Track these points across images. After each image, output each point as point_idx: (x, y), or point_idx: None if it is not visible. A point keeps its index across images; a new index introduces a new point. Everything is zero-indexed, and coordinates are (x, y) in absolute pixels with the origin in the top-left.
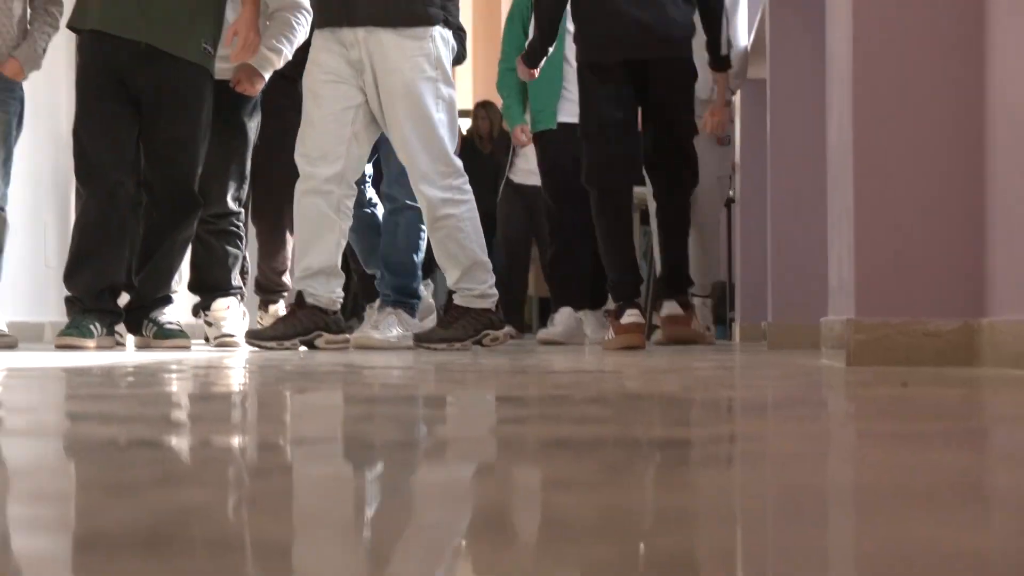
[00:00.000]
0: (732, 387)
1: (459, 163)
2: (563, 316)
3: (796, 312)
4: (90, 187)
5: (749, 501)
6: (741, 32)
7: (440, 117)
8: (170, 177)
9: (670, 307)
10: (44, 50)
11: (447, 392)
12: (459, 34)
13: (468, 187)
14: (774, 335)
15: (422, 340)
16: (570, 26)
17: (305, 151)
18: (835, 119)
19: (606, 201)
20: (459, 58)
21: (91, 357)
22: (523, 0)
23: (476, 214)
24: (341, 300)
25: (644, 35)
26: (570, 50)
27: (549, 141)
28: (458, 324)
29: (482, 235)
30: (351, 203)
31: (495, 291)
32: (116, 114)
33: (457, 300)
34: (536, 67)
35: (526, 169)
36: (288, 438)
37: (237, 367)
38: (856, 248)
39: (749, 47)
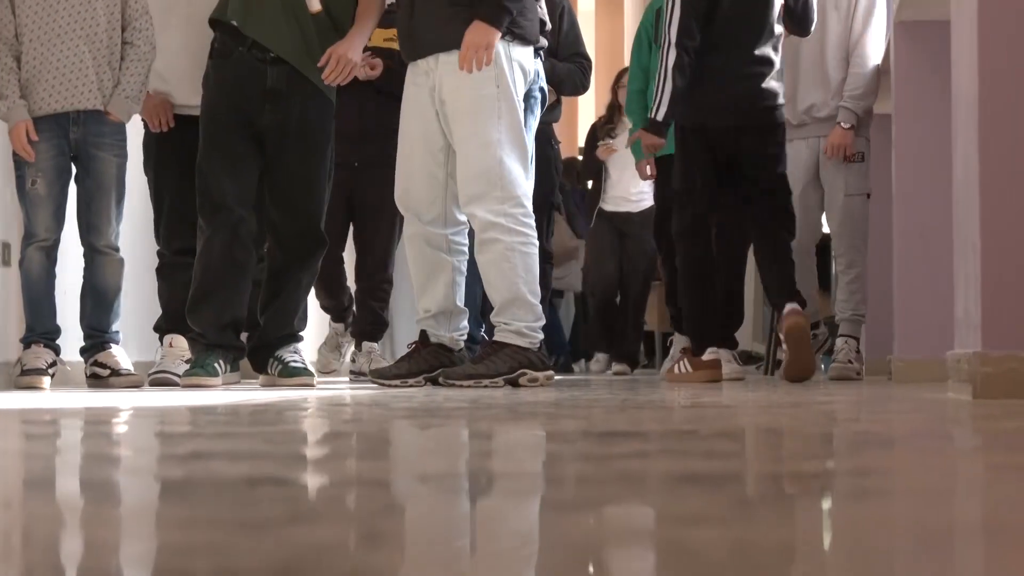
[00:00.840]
0: (858, 420)
1: (523, 193)
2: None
3: (922, 346)
4: (214, 224)
5: (878, 536)
6: (872, 50)
7: (499, 138)
8: (297, 217)
9: (790, 306)
10: (137, 91)
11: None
12: (580, 61)
13: (529, 221)
14: (899, 369)
15: (449, 377)
16: None
17: (404, 197)
18: (960, 152)
19: (692, 259)
20: (574, 87)
21: (216, 396)
22: (647, 19)
23: (532, 251)
24: (464, 337)
25: (747, 103)
26: None
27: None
28: (490, 360)
29: (535, 275)
30: (461, 238)
31: (538, 333)
32: (241, 151)
33: (496, 335)
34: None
35: (617, 196)
36: (417, 473)
37: (360, 404)
38: (983, 281)
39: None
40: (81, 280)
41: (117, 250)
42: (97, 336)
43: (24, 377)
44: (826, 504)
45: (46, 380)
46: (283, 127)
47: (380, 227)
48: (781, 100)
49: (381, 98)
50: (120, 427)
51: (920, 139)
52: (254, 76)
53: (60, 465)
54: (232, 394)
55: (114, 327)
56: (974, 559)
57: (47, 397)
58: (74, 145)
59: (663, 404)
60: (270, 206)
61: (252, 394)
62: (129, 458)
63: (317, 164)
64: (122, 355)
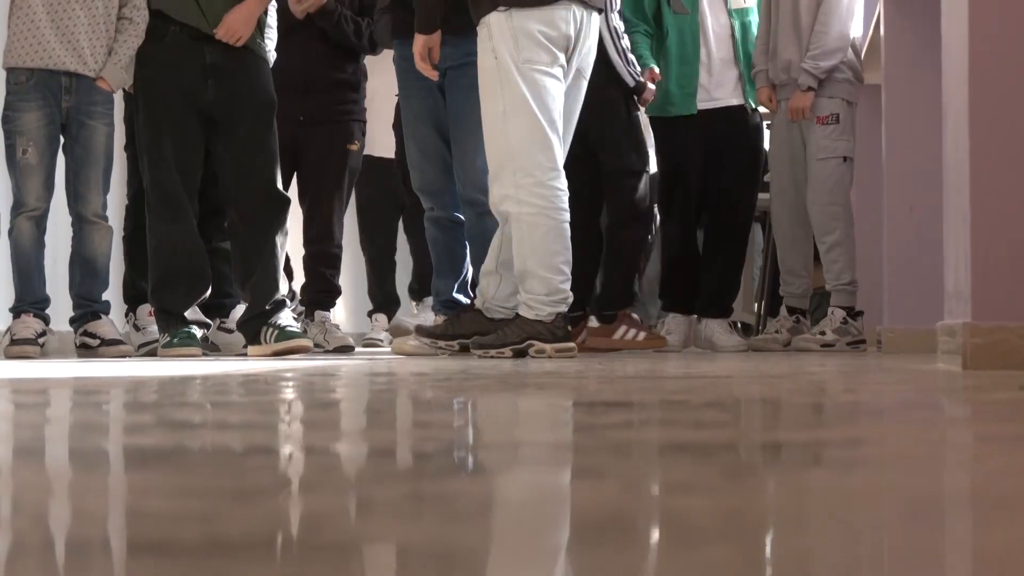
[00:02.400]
0: (848, 391)
1: (534, 163)
2: (677, 323)
3: (912, 316)
4: (168, 215)
5: (867, 505)
6: (839, 7)
7: (502, 109)
8: (258, 184)
9: (592, 317)
10: (128, 62)
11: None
12: None
13: (542, 192)
14: (889, 340)
15: (477, 345)
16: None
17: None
18: (951, 124)
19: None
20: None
21: (211, 365)
22: None
23: (543, 222)
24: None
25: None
26: (712, 27)
27: (678, 129)
28: (501, 331)
29: (549, 247)
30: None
31: (554, 306)
32: (189, 132)
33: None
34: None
35: None
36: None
37: (381, 372)
38: (972, 252)
39: (859, 42)
40: (70, 250)
41: (106, 219)
42: (87, 305)
43: (14, 347)
44: (815, 474)
45: (35, 350)
46: (230, 100)
47: (325, 187)
48: (626, 77)
49: (327, 48)
50: (109, 396)
51: (910, 111)
52: (192, 54)
53: (48, 434)
54: (229, 364)
55: (104, 296)
56: (963, 528)
57: (36, 366)
58: (65, 113)
59: (652, 375)
60: (229, 178)
61: (248, 364)
62: (118, 427)
63: (267, 128)
64: (111, 325)
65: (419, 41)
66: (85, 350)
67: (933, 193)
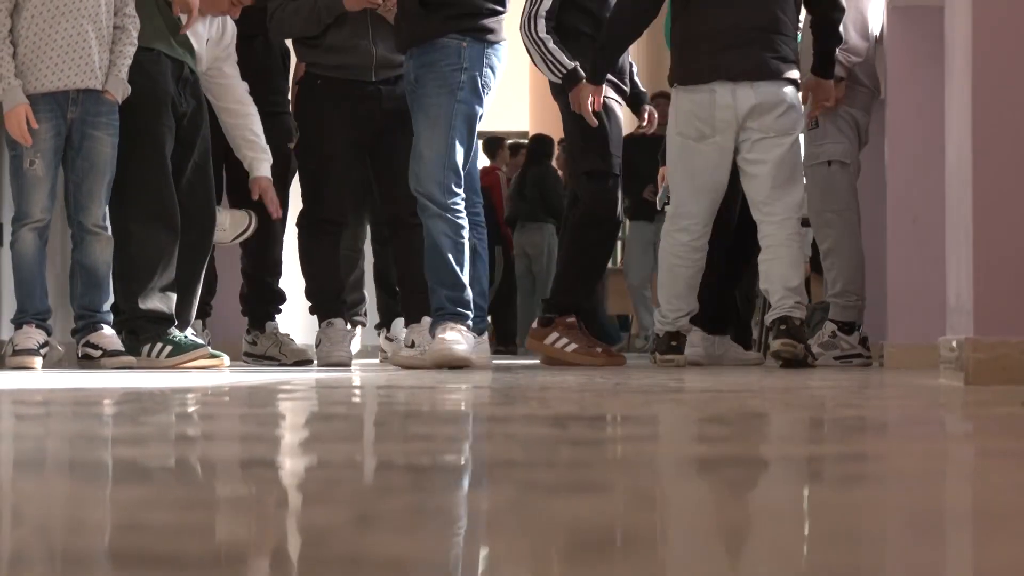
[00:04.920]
0: (850, 406)
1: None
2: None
3: (914, 331)
4: (157, 225)
5: (869, 520)
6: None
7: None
8: (204, 191)
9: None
10: (127, 73)
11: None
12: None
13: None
14: (892, 355)
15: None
16: None
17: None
18: (954, 138)
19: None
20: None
21: (212, 377)
22: None
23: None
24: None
25: None
26: None
27: None
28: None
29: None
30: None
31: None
32: (170, 146)
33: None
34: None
35: None
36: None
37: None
38: (975, 267)
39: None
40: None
41: (106, 229)
42: (89, 316)
43: (15, 357)
44: (818, 489)
45: (37, 360)
46: (198, 110)
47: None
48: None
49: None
50: (110, 408)
51: (913, 124)
52: (173, 67)
53: (50, 446)
54: (229, 376)
55: (105, 307)
56: (964, 544)
57: (38, 377)
58: (69, 124)
59: (651, 389)
60: (188, 189)
61: (248, 376)
62: (120, 439)
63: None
64: (113, 335)
65: (588, 89)
66: (87, 361)
67: (936, 208)
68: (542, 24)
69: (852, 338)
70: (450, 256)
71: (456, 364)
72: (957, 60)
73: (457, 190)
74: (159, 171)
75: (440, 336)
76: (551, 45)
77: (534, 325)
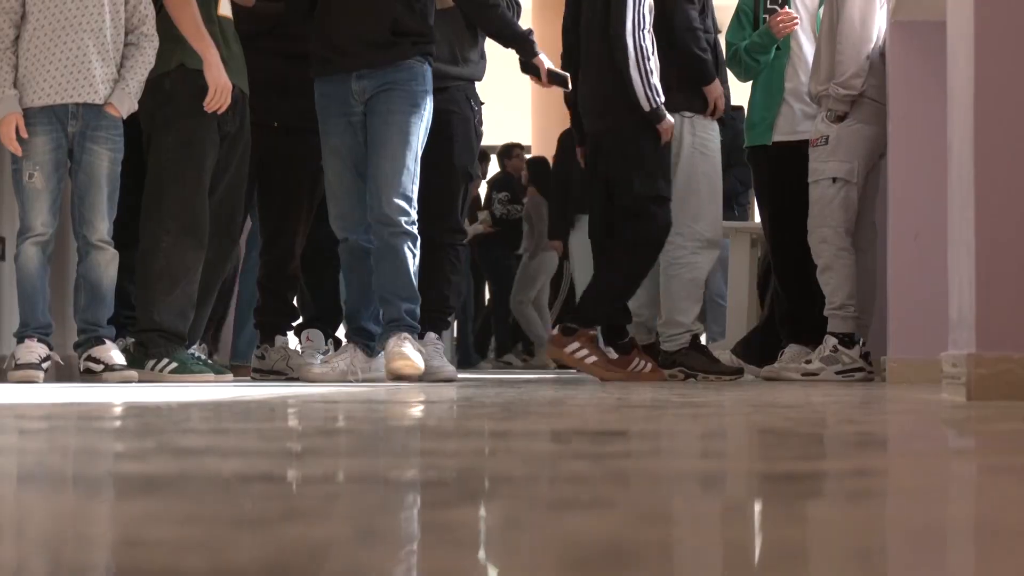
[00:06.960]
0: (852, 422)
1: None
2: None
3: (916, 347)
4: (192, 243)
5: (871, 536)
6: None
7: None
8: (231, 211)
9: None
10: (138, 89)
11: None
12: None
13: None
14: (894, 370)
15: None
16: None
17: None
18: (955, 152)
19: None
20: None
21: (210, 391)
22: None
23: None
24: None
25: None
26: (800, 60)
27: (759, 160)
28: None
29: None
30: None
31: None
32: (209, 162)
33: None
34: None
35: None
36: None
37: (354, 402)
38: (977, 282)
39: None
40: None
41: (111, 243)
42: (91, 330)
43: (18, 371)
44: (820, 505)
45: (39, 374)
46: (240, 131)
47: (294, 201)
48: (643, 100)
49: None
50: (112, 422)
51: (915, 139)
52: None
53: (52, 460)
54: (228, 389)
55: (107, 320)
56: (967, 560)
57: (40, 391)
58: (70, 138)
59: (651, 403)
60: (215, 204)
61: (249, 390)
62: (122, 453)
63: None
64: (115, 350)
65: (718, 88)
66: (89, 375)
67: (938, 222)
68: (649, 39)
69: (853, 352)
70: (412, 270)
71: (413, 376)
72: (959, 74)
73: (414, 203)
74: (197, 187)
75: (398, 348)
76: (653, 64)
77: (554, 332)
